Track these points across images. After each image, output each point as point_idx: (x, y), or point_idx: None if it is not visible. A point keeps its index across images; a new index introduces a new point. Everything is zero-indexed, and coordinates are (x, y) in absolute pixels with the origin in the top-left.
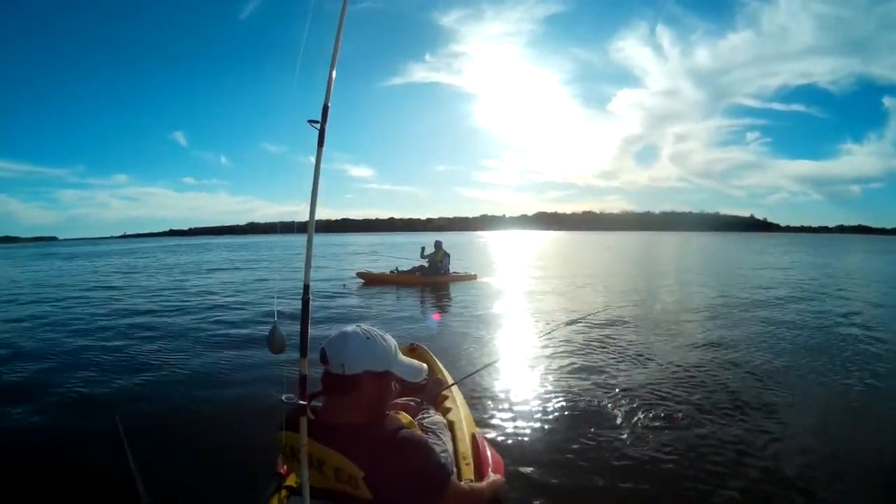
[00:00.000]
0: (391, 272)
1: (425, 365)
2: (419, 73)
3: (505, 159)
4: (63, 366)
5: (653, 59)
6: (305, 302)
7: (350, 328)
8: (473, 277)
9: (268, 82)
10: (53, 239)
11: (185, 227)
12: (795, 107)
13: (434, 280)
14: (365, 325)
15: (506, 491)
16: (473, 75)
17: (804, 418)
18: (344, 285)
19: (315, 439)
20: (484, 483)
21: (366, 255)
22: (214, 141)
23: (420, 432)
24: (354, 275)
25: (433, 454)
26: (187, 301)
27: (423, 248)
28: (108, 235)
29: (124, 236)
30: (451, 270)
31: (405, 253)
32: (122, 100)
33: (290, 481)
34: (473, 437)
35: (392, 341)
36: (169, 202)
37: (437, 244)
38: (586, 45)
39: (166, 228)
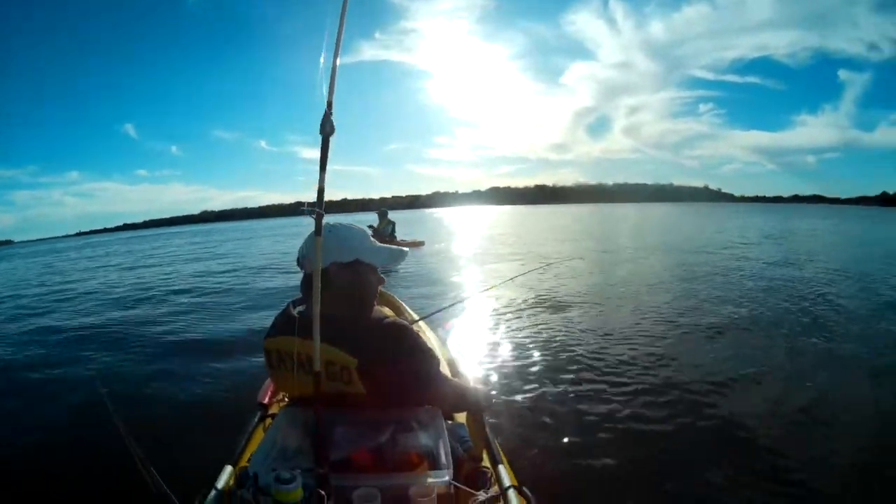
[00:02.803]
0: None
1: (406, 249)
2: (369, 51)
3: (457, 136)
4: (38, 349)
5: (606, 32)
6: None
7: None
8: (421, 244)
9: (216, 68)
10: (9, 243)
11: (140, 220)
12: (750, 79)
13: None
14: (332, 221)
15: (490, 401)
16: (425, 52)
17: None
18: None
19: (302, 337)
20: (471, 385)
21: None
22: (165, 131)
23: None
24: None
25: (421, 340)
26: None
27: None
28: (64, 234)
29: (80, 234)
30: (398, 238)
31: None
32: (69, 94)
33: (274, 409)
34: (451, 361)
35: (359, 231)
36: (123, 195)
37: (382, 213)
38: (537, 18)
39: (120, 223)
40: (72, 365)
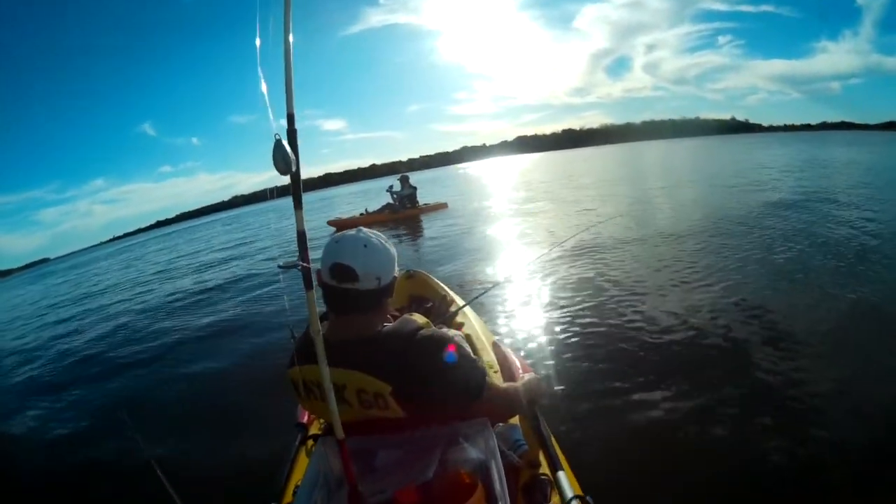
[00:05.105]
0: (360, 214)
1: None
2: (375, 17)
3: (476, 89)
4: (64, 362)
5: None
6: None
7: (350, 233)
8: (444, 207)
9: (222, 54)
10: (45, 261)
11: (172, 216)
12: (765, 7)
13: (404, 214)
14: (365, 231)
15: (543, 389)
16: (431, 11)
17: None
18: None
19: (328, 364)
20: (519, 383)
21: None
22: (183, 125)
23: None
24: (325, 223)
25: (463, 349)
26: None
27: (391, 187)
28: (98, 242)
29: (113, 239)
30: (421, 202)
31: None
32: (81, 104)
33: (315, 429)
34: (495, 345)
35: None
36: (151, 194)
37: (404, 178)
38: None
39: (152, 221)
40: (97, 397)
